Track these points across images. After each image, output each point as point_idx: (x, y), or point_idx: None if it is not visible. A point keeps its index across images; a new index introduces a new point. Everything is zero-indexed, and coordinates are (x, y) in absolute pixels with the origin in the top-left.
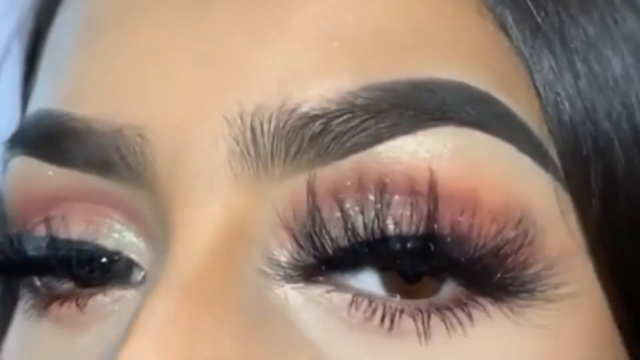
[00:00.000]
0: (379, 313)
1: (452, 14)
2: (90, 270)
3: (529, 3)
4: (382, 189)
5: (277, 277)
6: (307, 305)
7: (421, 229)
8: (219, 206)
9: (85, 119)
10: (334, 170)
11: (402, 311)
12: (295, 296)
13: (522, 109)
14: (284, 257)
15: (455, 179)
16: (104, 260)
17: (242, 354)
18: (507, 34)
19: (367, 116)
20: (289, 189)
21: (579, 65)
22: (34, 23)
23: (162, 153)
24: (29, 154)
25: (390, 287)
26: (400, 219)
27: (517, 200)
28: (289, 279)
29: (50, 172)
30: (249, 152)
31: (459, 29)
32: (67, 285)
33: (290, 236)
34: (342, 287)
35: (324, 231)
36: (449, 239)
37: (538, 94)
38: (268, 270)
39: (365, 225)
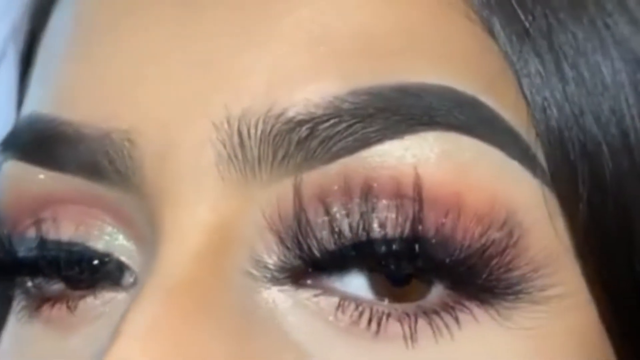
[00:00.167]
0: (366, 317)
1: (440, 18)
2: (80, 271)
3: (517, 7)
4: (369, 192)
5: (264, 280)
6: (295, 308)
7: (406, 231)
8: (206, 209)
9: (75, 124)
10: (321, 174)
11: (389, 315)
12: (282, 299)
13: (510, 114)
14: (271, 259)
15: (442, 183)
16: (94, 262)
17: (228, 355)
18: (495, 38)
19: (353, 121)
20: (276, 193)
21: (567, 69)
22: (29, 24)
23: (149, 155)
24: (20, 158)
25: (379, 290)
26: (386, 221)
27: (503, 202)
28: (276, 281)
29: (41, 176)
30: (236, 156)
31: (446, 33)
32: (57, 287)
33: (277, 239)
34: (329, 291)
35: (310, 233)
36: (433, 241)
37: (525, 98)
38: (255, 272)
39: (351, 228)
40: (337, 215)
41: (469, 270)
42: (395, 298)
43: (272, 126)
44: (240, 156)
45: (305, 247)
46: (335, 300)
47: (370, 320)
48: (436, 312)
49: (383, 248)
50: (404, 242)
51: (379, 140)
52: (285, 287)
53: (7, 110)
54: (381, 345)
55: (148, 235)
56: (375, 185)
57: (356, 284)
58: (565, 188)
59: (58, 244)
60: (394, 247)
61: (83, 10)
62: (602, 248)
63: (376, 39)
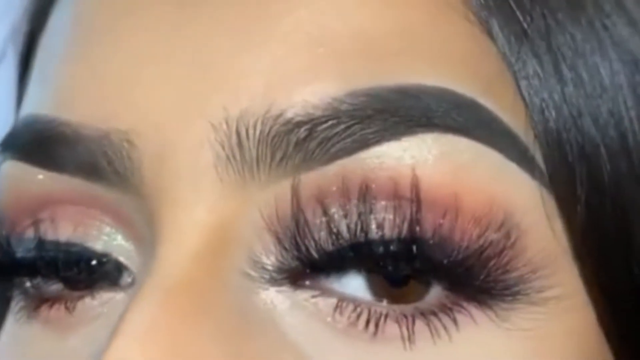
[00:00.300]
0: (364, 318)
1: (439, 19)
2: (78, 271)
3: (515, 8)
4: (367, 193)
5: (262, 280)
6: (293, 309)
7: (404, 232)
8: (204, 210)
9: (74, 124)
10: (319, 175)
11: (387, 316)
12: (280, 300)
13: (508, 115)
14: (269, 260)
15: (440, 184)
16: (93, 262)
17: (226, 356)
18: (494, 39)
19: (352, 122)
20: (274, 194)
21: (566, 71)
22: (28, 25)
23: (148, 156)
24: (18, 159)
25: (377, 291)
26: (384, 222)
27: (501, 204)
28: (274, 282)
29: (40, 176)
30: (234, 157)
31: (445, 35)
32: (56, 287)
33: (274, 239)
34: (327, 292)
35: (308, 234)
36: (431, 242)
37: (524, 99)
38: (253, 273)
39: (349, 228)
40: (335, 216)
41: (467, 272)
42: (394, 299)
43: (271, 127)
44: (238, 157)
45: (303, 248)
46: (333, 301)
47: (368, 322)
48: (434, 314)
49: (381, 249)
50: (402, 243)
51: (377, 141)
52: (283, 288)
53: (6, 110)
54: (379, 346)
55: (146, 235)
56: (373, 186)
57: (354, 285)
58: (563, 190)
59: (56, 244)
60: (391, 248)
61: (82, 10)
62: (600, 250)
63: (375, 40)
